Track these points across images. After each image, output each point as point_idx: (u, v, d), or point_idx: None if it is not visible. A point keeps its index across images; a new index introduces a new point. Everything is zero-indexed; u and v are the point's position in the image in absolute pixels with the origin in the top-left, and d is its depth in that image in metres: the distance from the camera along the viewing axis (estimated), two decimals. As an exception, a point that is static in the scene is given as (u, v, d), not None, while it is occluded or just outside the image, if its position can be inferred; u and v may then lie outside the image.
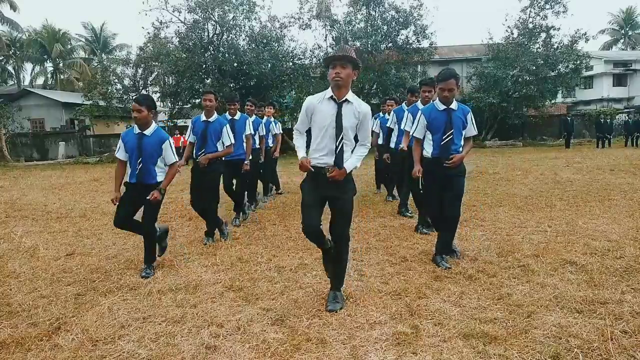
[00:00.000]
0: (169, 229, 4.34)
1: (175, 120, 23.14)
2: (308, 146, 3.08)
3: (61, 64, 38.59)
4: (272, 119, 7.65)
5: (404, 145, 5.34)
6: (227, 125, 5.03)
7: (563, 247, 4.34)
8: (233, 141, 5.08)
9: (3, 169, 17.58)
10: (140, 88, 21.75)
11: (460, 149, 3.90)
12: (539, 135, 25.92)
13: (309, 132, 3.07)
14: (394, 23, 21.62)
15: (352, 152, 3.02)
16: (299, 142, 3.08)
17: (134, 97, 4.26)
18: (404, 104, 6.12)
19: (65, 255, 4.51)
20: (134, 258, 4.26)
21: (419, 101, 5.30)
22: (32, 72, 40.03)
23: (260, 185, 7.87)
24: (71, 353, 2.53)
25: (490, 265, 3.86)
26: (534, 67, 22.75)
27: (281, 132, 7.87)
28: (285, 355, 2.46)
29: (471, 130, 3.96)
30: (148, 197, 3.76)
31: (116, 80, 21.98)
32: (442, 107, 3.87)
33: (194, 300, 3.24)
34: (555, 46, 23.15)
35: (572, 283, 3.38)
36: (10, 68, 38.97)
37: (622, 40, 46.40)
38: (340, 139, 2.91)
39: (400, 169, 5.87)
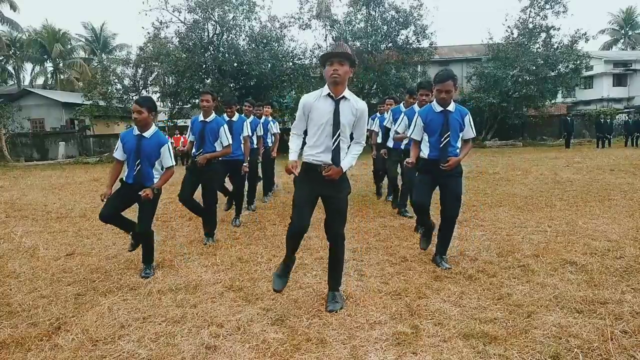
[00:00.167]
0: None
1: (175, 120, 23.16)
2: (303, 146, 3.07)
3: (61, 64, 38.60)
4: (270, 118, 7.67)
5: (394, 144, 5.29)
6: (225, 125, 5.04)
7: (563, 247, 4.34)
8: (230, 141, 5.08)
9: (3, 169, 17.58)
10: (140, 88, 21.77)
11: (458, 151, 3.86)
12: (539, 135, 25.94)
13: (305, 133, 3.06)
14: (394, 23, 21.64)
15: (347, 149, 3.02)
16: (292, 144, 3.04)
17: (134, 98, 4.24)
18: (401, 104, 6.10)
19: (65, 255, 4.51)
20: (134, 258, 4.26)
21: (416, 104, 5.26)
22: (32, 72, 40.10)
23: (259, 185, 7.88)
24: (71, 353, 2.53)
25: (490, 265, 3.86)
26: (534, 67, 22.77)
27: (279, 131, 7.88)
28: (285, 355, 2.46)
29: (469, 132, 3.91)
30: (140, 193, 3.73)
31: (116, 80, 22.01)
32: (439, 108, 3.81)
33: (194, 300, 3.24)
34: (555, 46, 23.17)
35: (572, 283, 3.38)
36: (10, 68, 38.98)
37: (622, 40, 46.40)
38: (337, 135, 2.91)
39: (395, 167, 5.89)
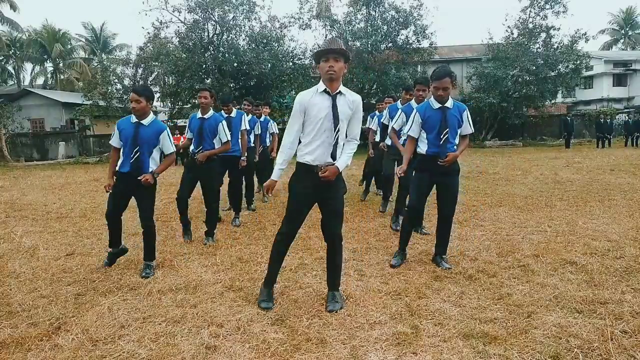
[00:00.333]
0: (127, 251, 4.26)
1: (176, 120, 23.14)
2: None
3: (61, 64, 38.60)
4: (269, 118, 7.70)
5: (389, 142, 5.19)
6: (223, 122, 5.04)
7: (563, 247, 4.34)
8: (229, 138, 5.08)
9: (3, 169, 17.58)
10: (140, 88, 21.77)
11: (455, 148, 3.85)
12: (539, 135, 25.94)
13: (299, 140, 3.02)
14: (394, 23, 21.64)
15: (343, 146, 3.02)
16: (280, 157, 2.99)
17: (132, 88, 4.28)
18: (398, 101, 6.08)
19: (65, 255, 4.51)
20: (134, 258, 4.26)
21: (412, 100, 5.24)
22: (32, 72, 40.11)
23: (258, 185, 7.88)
24: (71, 353, 2.53)
25: (490, 265, 3.86)
26: (534, 67, 22.77)
27: (277, 131, 7.90)
28: (285, 355, 2.46)
29: (467, 128, 3.90)
30: (139, 178, 3.72)
31: (116, 80, 22.01)
32: (437, 105, 3.79)
33: (194, 300, 3.24)
34: (555, 46, 23.17)
35: (572, 283, 3.38)
36: (10, 68, 39.00)
37: (622, 40, 46.40)
38: (337, 131, 2.91)
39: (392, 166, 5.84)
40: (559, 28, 23.31)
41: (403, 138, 5.39)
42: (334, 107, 2.90)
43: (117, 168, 3.90)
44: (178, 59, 19.47)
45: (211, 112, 5.02)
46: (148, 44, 20.96)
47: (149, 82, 22.09)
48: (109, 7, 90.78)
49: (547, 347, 2.45)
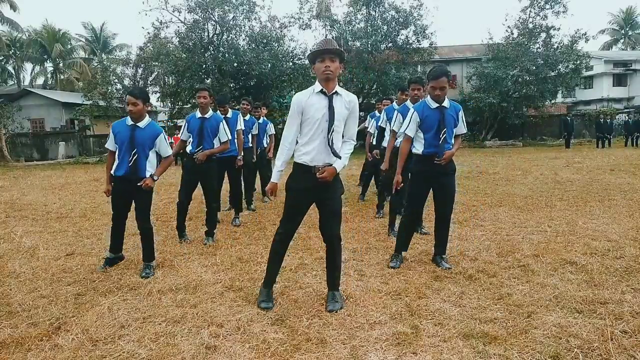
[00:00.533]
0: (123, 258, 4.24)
1: (175, 120, 23.13)
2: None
3: (61, 64, 38.61)
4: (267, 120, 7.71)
5: (388, 145, 5.07)
6: (224, 121, 5.05)
7: (563, 247, 4.34)
8: (230, 137, 5.09)
9: (3, 169, 17.58)
10: (141, 88, 21.78)
11: (451, 147, 3.84)
12: (539, 135, 25.96)
13: (296, 141, 3.02)
14: (394, 23, 21.66)
15: (340, 146, 3.02)
16: (279, 160, 3.00)
17: (128, 91, 4.26)
18: (394, 102, 6.07)
19: (65, 255, 4.51)
20: (134, 258, 4.26)
21: (408, 100, 5.22)
22: (32, 72, 40.12)
23: (258, 186, 7.88)
24: (71, 353, 2.53)
25: (490, 265, 3.86)
26: (534, 67, 22.79)
27: (274, 132, 7.91)
28: (285, 355, 2.46)
29: (461, 128, 3.90)
30: (140, 184, 3.74)
31: (116, 80, 22.01)
32: (434, 105, 3.78)
33: (194, 300, 3.24)
34: (555, 46, 23.20)
35: (572, 283, 3.38)
36: (10, 68, 38.99)
37: (622, 40, 46.41)
38: (331, 131, 2.91)
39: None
40: (559, 28, 23.41)
41: (399, 139, 5.36)
42: (331, 108, 2.90)
43: (112, 171, 3.88)
44: (178, 59, 19.47)
45: (210, 111, 5.01)
46: (148, 44, 20.97)
47: (149, 82, 22.10)
48: (109, 7, 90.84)
49: (547, 347, 2.45)
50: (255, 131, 6.88)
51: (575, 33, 22.94)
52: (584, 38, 23.17)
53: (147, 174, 3.84)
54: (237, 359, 2.45)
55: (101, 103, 21.49)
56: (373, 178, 7.60)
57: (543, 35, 23.18)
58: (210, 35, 20.64)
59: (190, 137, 5.03)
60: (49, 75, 40.32)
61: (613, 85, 35.45)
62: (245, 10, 20.57)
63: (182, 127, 5.15)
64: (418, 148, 3.88)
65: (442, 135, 3.76)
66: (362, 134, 7.25)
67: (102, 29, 41.28)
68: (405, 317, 2.88)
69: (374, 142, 6.76)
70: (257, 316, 2.95)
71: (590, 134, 24.55)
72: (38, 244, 4.96)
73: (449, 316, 2.88)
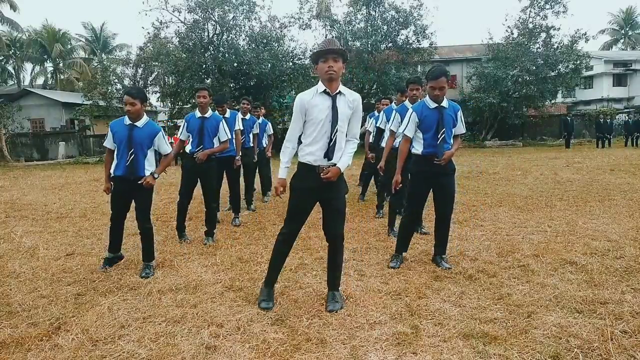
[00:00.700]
0: (122, 258, 4.23)
1: (175, 120, 23.12)
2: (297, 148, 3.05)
3: (61, 64, 38.59)
4: (266, 120, 7.73)
5: (386, 146, 5.07)
6: (224, 121, 5.06)
7: (563, 247, 4.34)
8: (229, 136, 5.09)
9: (3, 169, 17.58)
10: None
11: (450, 147, 3.84)
12: (539, 135, 25.96)
13: (300, 140, 3.03)
14: (394, 23, 21.66)
15: (344, 146, 3.02)
16: (284, 156, 3.01)
17: (125, 90, 4.25)
18: (393, 103, 6.07)
19: (65, 255, 4.51)
20: (134, 258, 4.26)
21: (406, 100, 5.22)
22: (32, 72, 40.09)
23: (258, 186, 7.89)
24: (71, 353, 2.53)
25: (490, 265, 3.86)
26: (534, 67, 22.80)
27: (272, 132, 7.93)
28: (285, 355, 2.46)
29: (460, 128, 3.90)
30: (140, 182, 3.74)
31: (116, 80, 22.02)
32: (433, 105, 3.77)
33: (194, 300, 3.24)
34: (555, 46, 23.20)
35: (572, 283, 3.38)
36: (10, 68, 38.97)
37: (622, 40, 46.41)
38: (335, 131, 2.91)
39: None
40: (559, 28, 23.45)
41: (398, 139, 5.36)
42: (334, 108, 2.90)
43: (111, 171, 3.89)
44: (178, 59, 19.47)
45: (210, 111, 5.02)
46: (148, 44, 20.97)
47: (149, 82, 22.10)
48: (109, 7, 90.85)
49: (547, 347, 2.45)
50: (256, 130, 6.88)
51: (575, 33, 22.95)
52: (584, 38, 23.18)
53: (147, 173, 3.84)
54: (237, 359, 2.45)
55: (101, 103, 21.50)
56: (373, 178, 7.61)
57: (543, 35, 23.18)
58: (210, 35, 20.63)
59: (189, 137, 5.03)
60: (49, 75, 40.31)
61: (613, 85, 35.46)
62: (245, 10, 20.57)
63: (181, 127, 5.16)
64: (417, 148, 3.88)
65: (440, 136, 3.76)
66: (361, 134, 7.25)
67: (102, 29, 41.28)
68: (405, 317, 2.88)
69: (372, 141, 6.78)
70: (257, 316, 2.95)
71: (590, 134, 24.56)
72: (38, 244, 4.96)
73: (449, 316, 2.88)
